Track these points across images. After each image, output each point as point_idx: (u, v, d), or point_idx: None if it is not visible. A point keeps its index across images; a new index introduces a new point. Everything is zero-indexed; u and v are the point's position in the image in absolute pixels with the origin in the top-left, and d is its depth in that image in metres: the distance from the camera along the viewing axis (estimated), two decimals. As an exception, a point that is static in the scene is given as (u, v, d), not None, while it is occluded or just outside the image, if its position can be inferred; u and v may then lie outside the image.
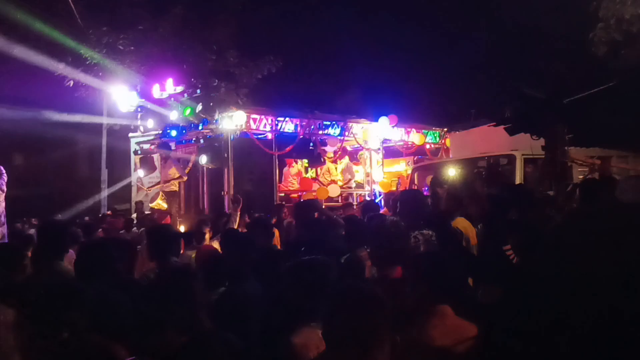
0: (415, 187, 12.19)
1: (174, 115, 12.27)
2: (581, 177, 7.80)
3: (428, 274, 2.88)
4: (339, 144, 14.51)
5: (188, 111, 11.91)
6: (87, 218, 13.16)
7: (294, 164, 14.55)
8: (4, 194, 7.07)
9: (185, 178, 12.37)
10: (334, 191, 13.79)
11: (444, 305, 2.81)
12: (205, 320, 2.78)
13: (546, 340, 2.67)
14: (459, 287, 3.19)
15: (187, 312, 2.66)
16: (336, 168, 15.19)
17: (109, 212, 12.54)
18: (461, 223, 5.00)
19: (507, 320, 2.96)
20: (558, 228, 4.20)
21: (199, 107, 11.77)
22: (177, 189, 12.46)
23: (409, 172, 14.09)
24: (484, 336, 2.80)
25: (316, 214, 6.48)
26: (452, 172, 11.13)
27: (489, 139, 11.25)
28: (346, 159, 15.26)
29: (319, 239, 4.50)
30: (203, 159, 12.41)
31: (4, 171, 7.09)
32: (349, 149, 15.47)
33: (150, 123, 12.88)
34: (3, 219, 7.05)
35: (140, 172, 13.71)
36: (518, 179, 9.25)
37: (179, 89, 12.49)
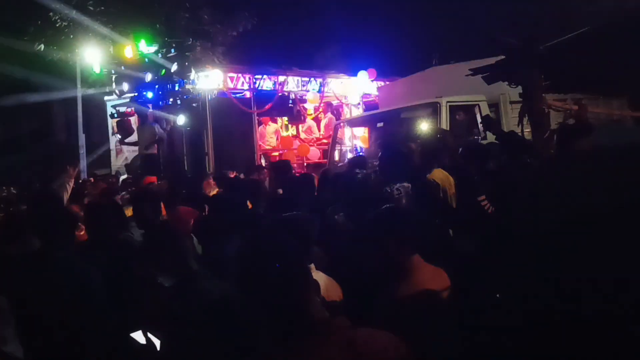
0: (338, 145, 11.91)
1: (148, 77, 12.05)
2: (556, 123, 7.85)
3: (393, 227, 2.88)
4: (318, 101, 14.41)
5: (163, 71, 11.71)
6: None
7: (270, 122, 14.44)
8: None
9: (164, 139, 12.24)
10: (313, 154, 13.79)
11: (415, 255, 2.84)
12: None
13: (524, 291, 2.74)
14: (428, 237, 3.22)
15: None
16: (318, 125, 15.13)
17: (91, 179, 12.39)
18: (437, 175, 5.02)
19: (484, 271, 3.03)
20: (534, 174, 4.26)
21: (174, 67, 11.56)
22: (155, 151, 12.34)
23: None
24: (459, 287, 2.87)
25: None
26: (379, 125, 10.80)
27: (417, 89, 10.99)
28: (329, 115, 15.19)
29: (295, 197, 4.55)
30: (181, 120, 12.27)
31: None
32: (334, 103, 15.35)
33: (125, 86, 12.64)
34: None
35: (118, 136, 13.55)
36: (444, 127, 8.70)
37: (153, 48, 12.22)
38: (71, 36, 13.55)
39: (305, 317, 1.75)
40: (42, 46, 13.71)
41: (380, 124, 11.15)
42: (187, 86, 12.38)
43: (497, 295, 2.61)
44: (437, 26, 17.06)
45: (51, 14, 13.38)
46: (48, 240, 3.51)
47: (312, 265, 3.08)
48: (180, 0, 13.78)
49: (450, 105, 8.94)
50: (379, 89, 14.13)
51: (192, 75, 12.35)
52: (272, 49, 16.52)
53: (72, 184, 6.11)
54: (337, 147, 11.92)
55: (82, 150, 14.52)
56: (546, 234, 3.01)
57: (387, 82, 14.74)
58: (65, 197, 5.82)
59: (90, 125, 15.40)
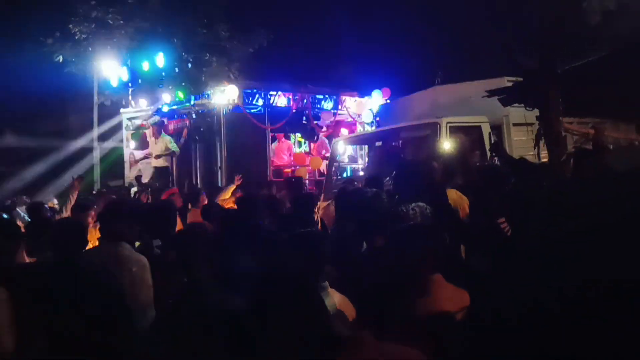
0: (336, 162, 11.71)
1: (166, 98, 12.22)
2: (573, 146, 7.80)
3: (418, 244, 2.89)
4: (332, 118, 14.44)
5: (180, 94, 11.88)
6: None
7: (283, 138, 14.49)
8: None
9: (177, 152, 12.31)
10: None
11: (437, 274, 2.83)
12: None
13: (539, 309, 2.71)
14: (450, 257, 3.20)
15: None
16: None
17: (103, 190, 12.46)
18: (451, 195, 5.01)
19: (500, 289, 3.00)
20: (549, 198, 4.24)
21: (188, 90, 11.73)
22: (168, 164, 12.41)
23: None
24: (476, 306, 2.84)
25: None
26: (377, 144, 10.69)
27: (418, 108, 10.78)
28: (345, 133, 15.18)
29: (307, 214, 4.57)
30: (195, 134, 12.38)
31: None
32: (348, 120, 15.35)
33: (141, 98, 12.76)
34: None
35: (132, 145, 13.64)
36: (444, 148, 8.44)
37: (170, 62, 12.37)
38: (90, 49, 13.74)
39: (330, 334, 1.74)
40: (61, 57, 13.89)
41: (378, 143, 11.07)
42: (203, 100, 12.47)
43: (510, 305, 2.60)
44: (443, 45, 17.11)
45: (71, 26, 13.58)
46: (68, 250, 3.59)
47: (327, 283, 3.06)
48: (198, 16, 13.94)
49: (450, 126, 8.73)
50: (380, 106, 13.91)
51: (208, 89, 12.45)
52: (287, 66, 16.65)
53: (75, 195, 6.23)
54: (335, 164, 11.66)
55: (97, 162, 14.63)
56: (554, 244, 3.00)
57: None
58: (68, 207, 5.92)
59: (105, 136, 15.54)
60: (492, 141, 7.75)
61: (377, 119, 14.09)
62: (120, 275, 3.68)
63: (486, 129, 8.87)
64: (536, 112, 7.57)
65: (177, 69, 12.33)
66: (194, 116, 12.48)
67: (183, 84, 12.72)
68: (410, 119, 10.13)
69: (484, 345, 2.48)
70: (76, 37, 13.68)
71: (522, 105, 7.94)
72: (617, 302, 1.92)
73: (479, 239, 4.20)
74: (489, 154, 8.15)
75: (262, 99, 13.23)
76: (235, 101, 12.44)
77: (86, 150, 16.08)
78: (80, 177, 6.94)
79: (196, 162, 13.11)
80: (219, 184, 11.89)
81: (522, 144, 8.98)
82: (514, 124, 9.12)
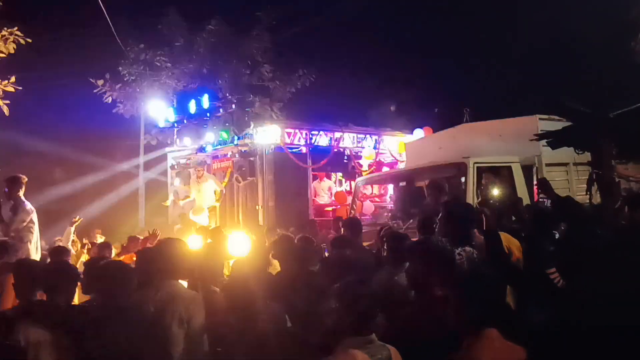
0: (358, 203, 11.24)
1: (210, 138, 12.45)
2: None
3: (476, 296, 2.79)
4: (374, 157, 14.40)
5: (224, 134, 12.09)
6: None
7: (325, 177, 14.50)
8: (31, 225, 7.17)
9: (220, 193, 12.45)
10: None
11: (491, 328, 2.73)
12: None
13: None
14: (507, 309, 3.09)
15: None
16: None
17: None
18: (503, 238, 4.86)
19: (559, 346, 2.86)
20: (607, 247, 4.06)
21: (232, 130, 11.94)
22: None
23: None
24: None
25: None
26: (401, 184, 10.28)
27: (446, 146, 10.32)
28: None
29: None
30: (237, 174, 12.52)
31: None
32: (389, 159, 15.29)
33: (187, 140, 13.05)
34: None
35: (177, 182, 13.88)
36: (470, 190, 8.12)
37: (215, 103, 12.63)
38: (138, 90, 14.21)
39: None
40: (110, 98, 14.41)
41: (402, 183, 10.73)
42: (246, 140, 12.65)
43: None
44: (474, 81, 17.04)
45: (120, 68, 14.11)
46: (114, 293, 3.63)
47: (373, 335, 2.95)
48: (242, 58, 14.31)
49: (478, 166, 8.32)
50: (407, 144, 13.44)
51: (251, 129, 12.63)
52: (328, 105, 16.81)
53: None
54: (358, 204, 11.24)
55: (141, 199, 14.92)
56: (621, 313, 2.85)
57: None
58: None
59: (151, 175, 15.89)
60: (539, 178, 7.47)
61: (403, 158, 13.83)
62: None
63: (517, 170, 8.53)
64: (570, 150, 7.37)
65: (221, 110, 12.58)
66: (236, 156, 12.65)
67: (227, 124, 12.95)
68: (437, 158, 9.80)
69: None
70: (125, 79, 14.18)
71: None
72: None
73: (534, 288, 4.04)
74: (534, 194, 7.89)
75: (303, 138, 13.33)
76: (278, 141, 12.56)
77: (132, 187, 16.50)
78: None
79: (238, 202, 13.22)
80: (260, 223, 11.95)
81: (555, 185, 8.35)
82: (547, 164, 8.76)
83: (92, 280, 4.14)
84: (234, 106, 12.73)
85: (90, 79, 14.47)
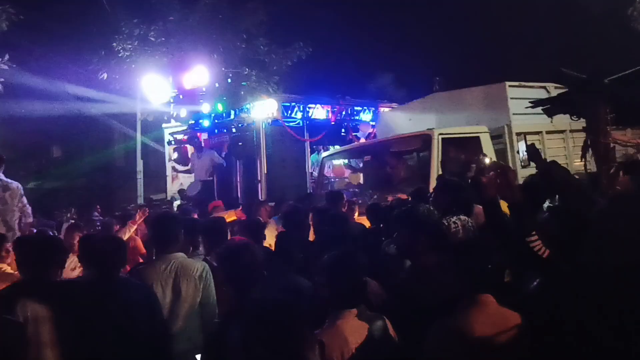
0: (325, 179, 10.92)
1: (205, 108, 12.35)
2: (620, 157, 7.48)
3: (471, 264, 2.80)
4: (370, 130, 14.36)
5: (220, 106, 11.98)
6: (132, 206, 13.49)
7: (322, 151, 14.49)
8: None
9: (224, 164, 12.41)
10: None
11: (486, 294, 2.73)
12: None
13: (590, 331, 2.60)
14: (501, 276, 3.09)
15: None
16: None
17: (144, 204, 12.71)
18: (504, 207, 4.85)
19: (547, 313, 2.87)
20: (602, 214, 4.04)
21: (228, 104, 11.84)
22: (212, 177, 12.57)
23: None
24: (529, 325, 2.73)
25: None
26: (365, 159, 10.10)
27: (414, 116, 10.11)
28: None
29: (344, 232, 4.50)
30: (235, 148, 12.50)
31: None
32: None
33: (183, 113, 12.99)
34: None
35: (174, 156, 13.86)
36: (435, 162, 7.73)
37: (210, 77, 12.54)
38: (133, 66, 14.09)
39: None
40: (105, 75, 14.29)
41: (367, 158, 10.51)
42: (242, 115, 12.59)
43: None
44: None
45: (114, 44, 13.97)
46: (108, 266, 3.66)
47: (354, 310, 2.92)
48: (238, 31, 14.15)
49: (442, 138, 7.97)
50: (379, 116, 13.28)
51: (247, 104, 12.57)
52: (325, 78, 16.71)
53: (135, 227, 6.33)
54: (324, 179, 10.96)
55: (140, 176, 14.92)
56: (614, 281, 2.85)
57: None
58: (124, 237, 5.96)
59: (148, 151, 15.86)
60: (528, 144, 7.21)
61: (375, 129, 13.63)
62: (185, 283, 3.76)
63: (486, 140, 8.29)
64: (543, 118, 7.24)
65: (217, 84, 12.50)
66: (233, 130, 12.60)
67: (224, 98, 12.88)
68: (407, 130, 9.53)
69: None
70: (120, 55, 14.05)
71: (527, 112, 7.68)
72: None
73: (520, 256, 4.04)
74: (525, 161, 7.62)
75: (300, 111, 13.27)
76: (275, 115, 12.50)
77: (129, 165, 16.48)
78: (144, 210, 6.93)
79: (237, 176, 13.22)
80: (259, 198, 11.97)
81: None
82: (517, 133, 8.58)
83: (87, 254, 4.15)
84: (229, 80, 12.66)
85: (85, 56, 14.41)
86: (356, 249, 3.64)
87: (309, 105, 13.38)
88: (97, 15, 14.79)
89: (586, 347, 2.60)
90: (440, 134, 8.00)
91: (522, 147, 7.80)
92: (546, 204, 5.09)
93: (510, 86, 8.83)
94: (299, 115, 13.27)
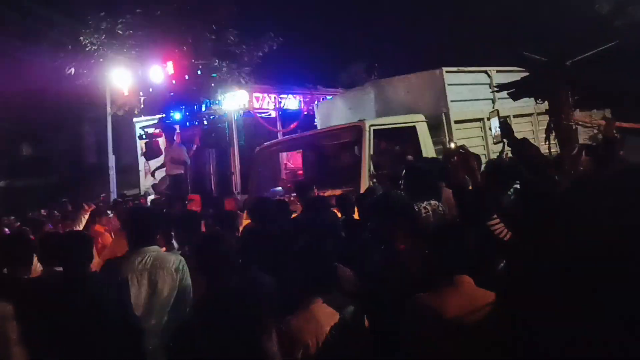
0: (259, 172, 10.07)
1: (176, 105, 12.31)
2: (585, 138, 7.62)
3: (447, 246, 2.85)
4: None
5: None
6: (102, 195, 13.34)
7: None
8: None
9: (189, 163, 12.34)
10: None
11: (463, 275, 2.78)
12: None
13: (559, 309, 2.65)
14: (477, 258, 3.13)
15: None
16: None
17: (119, 199, 12.59)
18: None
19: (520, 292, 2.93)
20: (565, 195, 4.12)
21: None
22: (182, 171, 12.48)
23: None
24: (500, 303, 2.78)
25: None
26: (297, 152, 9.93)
27: (351, 106, 9.76)
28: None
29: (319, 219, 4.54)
30: (208, 140, 12.43)
31: None
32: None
33: (153, 107, 12.87)
34: None
35: (146, 156, 13.75)
36: (366, 155, 7.21)
37: (180, 70, 12.43)
38: (101, 60, 13.88)
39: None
40: (73, 70, 14.06)
41: (299, 151, 10.32)
42: (214, 107, 12.52)
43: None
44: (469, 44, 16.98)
45: (81, 38, 13.73)
46: (72, 263, 3.61)
47: (327, 296, 2.97)
48: (207, 22, 14.01)
49: (374, 129, 7.44)
50: (319, 105, 12.80)
51: (218, 95, 12.49)
52: (297, 68, 16.65)
53: (86, 217, 6.41)
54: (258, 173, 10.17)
55: (112, 172, 14.76)
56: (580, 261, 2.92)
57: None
58: (78, 227, 6.06)
59: (120, 146, 15.68)
60: (501, 121, 7.01)
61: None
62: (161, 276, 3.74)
63: (422, 129, 7.90)
64: (483, 105, 7.23)
65: (187, 76, 12.39)
66: (205, 123, 12.53)
67: (194, 88, 12.79)
68: (346, 119, 9.07)
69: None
70: (87, 49, 13.83)
71: (468, 98, 7.65)
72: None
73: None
74: (498, 137, 7.42)
75: (272, 102, 13.25)
76: (246, 106, 12.46)
77: (101, 160, 16.27)
78: (89, 204, 7.01)
79: (210, 169, 13.17)
80: (234, 190, 11.95)
81: (469, 143, 7.55)
82: (456, 122, 8.31)
83: (51, 251, 4.12)
84: (199, 72, 12.56)
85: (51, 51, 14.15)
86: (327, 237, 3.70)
87: (281, 96, 13.37)
88: (64, 9, 14.55)
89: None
90: (372, 125, 7.51)
91: (494, 123, 7.66)
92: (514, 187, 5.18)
93: (447, 72, 8.44)
94: (271, 106, 13.26)
